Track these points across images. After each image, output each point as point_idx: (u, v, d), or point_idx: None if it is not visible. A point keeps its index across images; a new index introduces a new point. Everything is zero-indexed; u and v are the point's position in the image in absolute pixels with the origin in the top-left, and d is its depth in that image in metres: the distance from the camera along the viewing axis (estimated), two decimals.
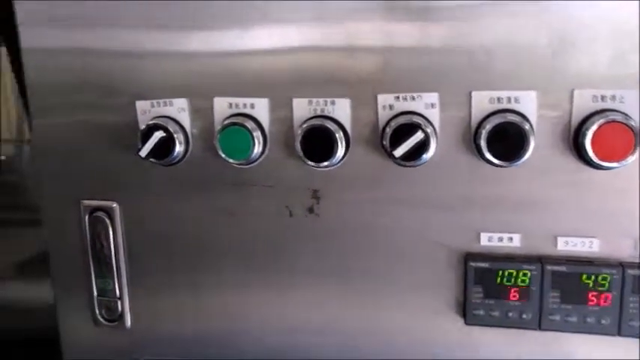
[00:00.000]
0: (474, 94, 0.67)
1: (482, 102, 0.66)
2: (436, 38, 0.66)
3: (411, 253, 0.74)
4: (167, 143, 0.74)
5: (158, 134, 0.73)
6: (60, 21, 0.76)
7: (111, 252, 0.82)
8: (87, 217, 0.82)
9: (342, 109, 0.70)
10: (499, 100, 0.66)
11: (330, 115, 0.71)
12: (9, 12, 0.92)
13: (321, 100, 0.71)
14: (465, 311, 0.71)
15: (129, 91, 0.77)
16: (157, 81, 0.75)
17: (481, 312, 0.70)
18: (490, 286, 0.69)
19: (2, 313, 1.67)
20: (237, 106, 0.73)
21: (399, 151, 0.66)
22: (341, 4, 0.68)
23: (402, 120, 0.67)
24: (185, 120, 0.75)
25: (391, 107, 0.69)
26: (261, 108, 0.73)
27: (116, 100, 0.77)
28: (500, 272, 0.69)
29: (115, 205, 0.81)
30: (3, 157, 2.72)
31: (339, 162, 0.71)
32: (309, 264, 0.77)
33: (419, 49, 0.67)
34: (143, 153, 0.73)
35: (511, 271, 0.69)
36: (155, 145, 0.73)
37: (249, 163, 0.74)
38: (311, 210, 0.75)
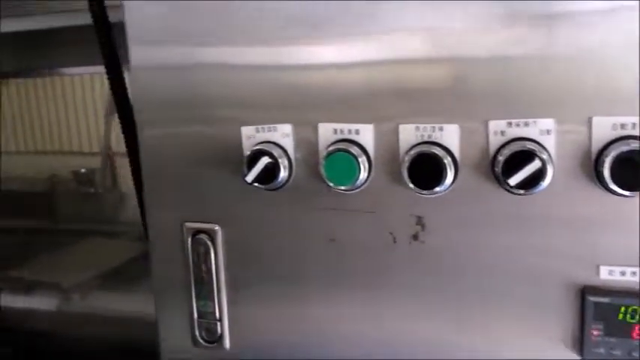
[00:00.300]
0: (595, 120, 0.63)
1: (604, 128, 0.63)
2: (560, 52, 0.64)
3: (521, 283, 0.71)
4: (272, 169, 0.74)
5: (264, 160, 0.73)
6: (167, 39, 0.79)
7: (212, 274, 0.83)
8: (189, 239, 0.84)
9: (450, 136, 0.69)
10: (622, 126, 0.63)
11: (438, 141, 0.69)
12: (109, 36, 0.97)
13: (428, 126, 0.69)
14: (583, 348, 0.68)
15: (232, 114, 0.78)
16: (260, 104, 0.76)
17: (601, 350, 0.66)
18: (612, 323, 0.65)
19: (89, 321, 1.75)
20: (341, 131, 0.73)
21: (513, 180, 0.64)
22: (451, 13, 0.66)
23: (515, 147, 0.65)
24: (289, 145, 0.76)
25: (503, 133, 0.67)
26: (366, 134, 0.72)
27: (219, 122, 0.79)
28: (624, 308, 0.65)
29: (217, 227, 0.82)
30: (83, 170, 2.86)
31: (447, 188, 0.69)
32: (412, 291, 0.75)
33: (538, 65, 0.65)
34: (249, 178, 0.74)
35: (636, 307, 0.64)
36: (261, 170, 0.74)
37: (353, 189, 0.73)
38: (415, 237, 0.73)
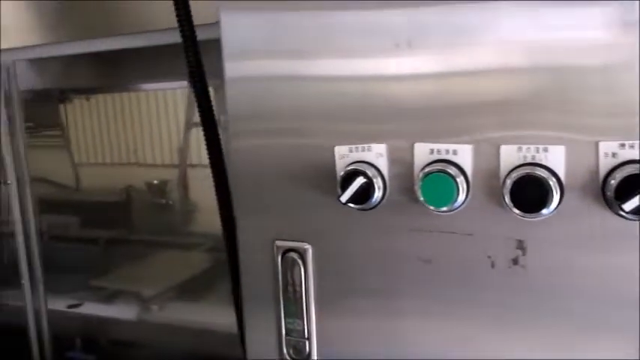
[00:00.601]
0: None
1: None
2: None
3: (616, 307, 0.67)
4: (366, 189, 0.74)
5: (359, 180, 0.73)
6: (263, 52, 0.80)
7: (301, 292, 0.84)
8: (280, 257, 0.84)
9: (556, 157, 0.66)
10: None
11: (542, 162, 0.67)
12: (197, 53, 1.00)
13: (532, 147, 0.67)
14: None
15: (325, 127, 0.78)
16: (353, 118, 0.76)
17: None
18: None
19: (168, 331, 1.79)
20: (439, 152, 0.72)
21: (628, 205, 0.60)
22: (555, 23, 0.64)
23: (629, 170, 0.61)
24: (383, 165, 0.75)
25: (614, 155, 0.64)
26: (464, 154, 0.71)
27: (312, 135, 0.79)
28: None
29: (307, 246, 0.82)
30: (156, 182, 2.95)
31: (552, 212, 0.66)
32: (506, 313, 0.73)
33: None
34: (344, 199, 0.74)
35: None
36: (356, 191, 0.73)
37: (450, 211, 0.71)
38: (515, 261, 0.71)
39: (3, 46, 1.59)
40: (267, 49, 0.80)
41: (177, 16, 1.00)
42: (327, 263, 0.82)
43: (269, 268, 0.86)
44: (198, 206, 2.47)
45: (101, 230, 2.52)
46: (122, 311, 1.83)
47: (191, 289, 2.01)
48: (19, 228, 1.71)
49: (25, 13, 1.58)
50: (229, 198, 1.04)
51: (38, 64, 1.83)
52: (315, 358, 0.85)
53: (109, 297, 1.94)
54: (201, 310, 1.82)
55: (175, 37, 1.46)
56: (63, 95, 2.44)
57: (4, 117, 1.66)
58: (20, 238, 1.72)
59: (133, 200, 2.79)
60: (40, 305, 1.77)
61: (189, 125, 2.16)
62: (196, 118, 1.06)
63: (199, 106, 1.05)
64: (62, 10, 1.53)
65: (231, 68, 0.82)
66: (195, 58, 1.02)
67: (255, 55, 0.81)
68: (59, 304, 1.84)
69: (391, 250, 0.77)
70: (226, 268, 2.20)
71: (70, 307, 1.85)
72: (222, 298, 2.09)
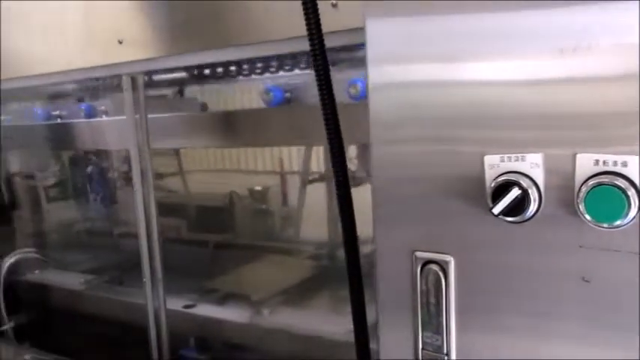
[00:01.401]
0: None
1: None
2: None
3: None
4: (521, 201, 0.70)
5: (515, 192, 0.70)
6: (409, 56, 0.78)
7: (441, 306, 0.81)
8: (419, 269, 0.82)
9: None
10: None
11: None
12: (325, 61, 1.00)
13: None
14: None
15: (475, 136, 0.75)
16: (504, 125, 0.73)
17: None
18: None
19: (278, 336, 1.81)
20: (605, 163, 0.67)
21: None
22: None
23: None
24: (539, 176, 0.71)
25: None
26: (634, 165, 0.65)
27: (457, 143, 0.76)
28: None
29: (449, 258, 0.80)
30: (258, 188, 3.01)
31: None
32: None
33: None
34: (496, 210, 0.70)
35: None
36: (510, 202, 0.70)
37: (618, 227, 0.66)
38: None
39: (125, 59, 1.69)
40: (413, 54, 0.78)
41: (307, 25, 1.00)
42: (470, 277, 0.79)
43: (406, 280, 0.84)
44: (301, 213, 2.49)
45: (208, 234, 2.62)
46: (234, 314, 1.87)
47: (297, 295, 2.03)
48: (142, 229, 1.80)
49: (142, 25, 1.67)
50: (351, 209, 1.03)
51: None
52: None
53: (221, 299, 1.99)
54: (308, 316, 1.83)
55: (289, 47, 1.48)
56: None
57: (131, 125, 1.75)
58: (143, 240, 1.81)
59: (235, 205, 2.87)
60: (160, 304, 1.85)
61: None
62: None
63: (326, 117, 1.04)
64: (180, 24, 1.60)
65: (376, 74, 0.81)
66: (324, 66, 1.02)
67: (400, 60, 0.79)
68: (175, 304, 1.91)
69: (544, 266, 0.73)
70: (329, 275, 2.21)
71: (186, 307, 1.92)
72: (327, 305, 2.10)
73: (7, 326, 2.25)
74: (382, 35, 0.80)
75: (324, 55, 1.01)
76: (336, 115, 1.02)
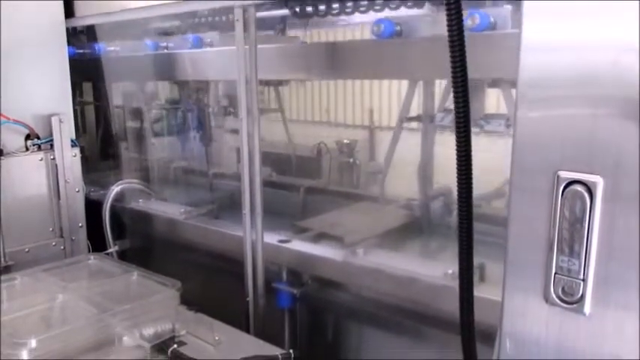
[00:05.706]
0: None
1: None
2: None
3: None
4: None
5: None
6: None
7: (584, 231, 0.77)
8: (561, 189, 0.78)
9: None
10: None
11: None
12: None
13: None
14: None
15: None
16: None
17: None
18: None
19: (372, 275, 1.81)
20: None
21: None
22: None
23: None
24: None
25: None
26: None
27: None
28: None
29: (599, 179, 0.75)
30: (346, 141, 3.00)
31: None
32: None
33: None
34: None
35: None
36: None
37: None
38: None
39: None
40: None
41: None
42: (619, 200, 0.74)
43: (543, 200, 0.80)
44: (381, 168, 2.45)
45: (298, 179, 2.65)
46: (327, 251, 1.89)
47: (390, 240, 2.02)
48: (245, 160, 1.84)
49: None
50: (469, 146, 0.99)
51: None
52: (589, 303, 0.78)
53: (315, 238, 2.02)
54: (402, 259, 1.82)
55: None
56: None
57: (241, 56, 1.77)
58: (245, 170, 1.85)
59: (322, 156, 2.88)
60: (257, 236, 1.90)
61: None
62: None
63: (452, 50, 0.99)
64: None
65: (531, 31, 0.77)
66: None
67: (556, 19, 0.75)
68: (271, 238, 1.96)
69: None
70: (417, 225, 2.17)
71: (281, 241, 1.96)
72: (421, 250, 2.08)
73: (113, 249, 2.39)
74: None
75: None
76: (464, 48, 0.96)
